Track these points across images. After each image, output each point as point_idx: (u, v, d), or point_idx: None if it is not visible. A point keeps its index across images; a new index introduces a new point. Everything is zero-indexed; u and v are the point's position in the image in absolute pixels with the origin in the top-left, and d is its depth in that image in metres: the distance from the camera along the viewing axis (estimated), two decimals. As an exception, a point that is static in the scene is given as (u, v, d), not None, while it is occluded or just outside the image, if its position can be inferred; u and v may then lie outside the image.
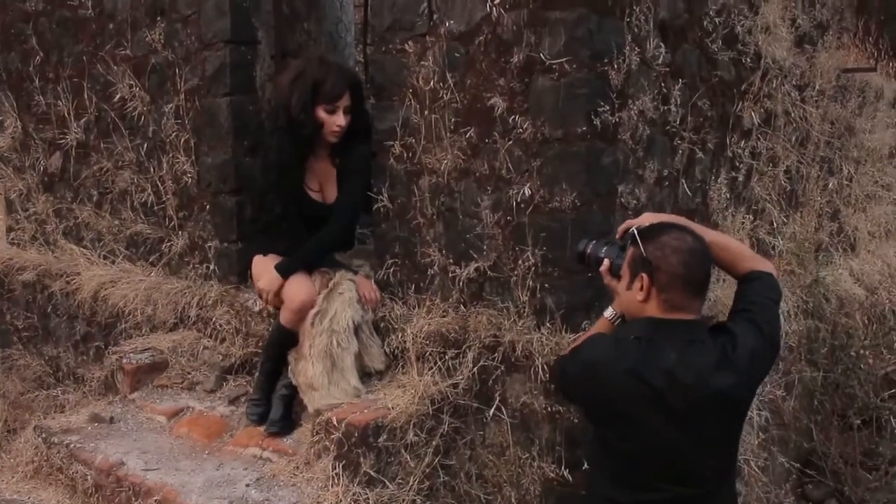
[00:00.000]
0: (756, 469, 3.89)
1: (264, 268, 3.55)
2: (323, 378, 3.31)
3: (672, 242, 2.23)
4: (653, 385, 2.17)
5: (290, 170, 3.49)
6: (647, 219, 2.44)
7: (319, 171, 3.61)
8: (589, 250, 2.47)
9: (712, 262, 2.34)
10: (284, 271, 3.46)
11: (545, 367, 2.98)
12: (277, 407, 3.50)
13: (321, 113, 3.44)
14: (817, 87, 4.37)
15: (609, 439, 2.33)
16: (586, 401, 2.41)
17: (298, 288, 3.43)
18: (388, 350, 3.44)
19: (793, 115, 4.15)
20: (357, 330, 3.40)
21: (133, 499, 3.21)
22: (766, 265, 2.45)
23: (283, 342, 3.50)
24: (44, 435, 3.72)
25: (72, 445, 3.58)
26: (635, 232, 2.31)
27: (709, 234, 2.42)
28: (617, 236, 2.48)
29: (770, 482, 4.05)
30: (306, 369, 3.35)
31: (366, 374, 3.45)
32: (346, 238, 3.71)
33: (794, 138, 4.21)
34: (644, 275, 2.24)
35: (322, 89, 3.41)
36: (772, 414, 4.06)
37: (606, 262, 2.41)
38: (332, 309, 3.37)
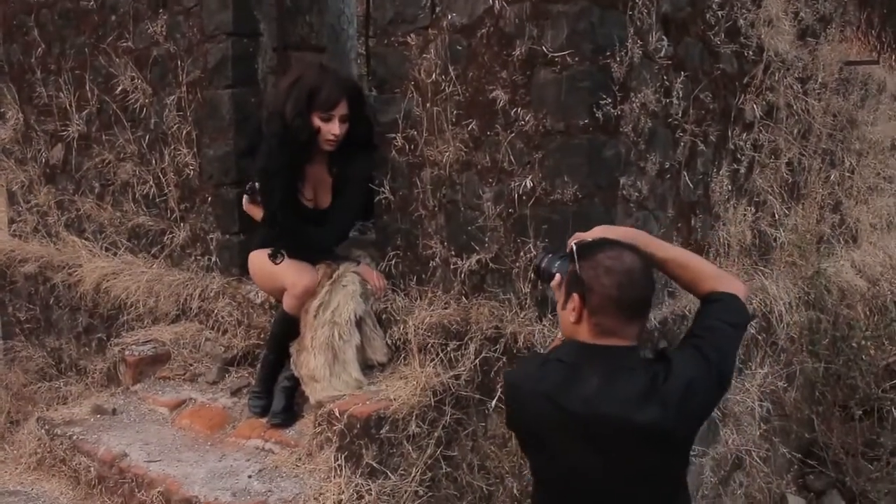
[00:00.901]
0: (758, 460, 3.91)
1: (264, 262, 3.56)
2: (325, 370, 3.32)
3: (606, 262, 2.07)
4: (570, 412, 2.02)
5: (283, 176, 3.44)
6: (598, 232, 2.30)
7: (314, 178, 3.58)
8: (543, 265, 2.33)
9: (653, 284, 2.15)
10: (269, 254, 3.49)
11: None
12: (279, 398, 3.51)
13: (317, 121, 3.40)
14: (819, 79, 4.37)
15: (535, 466, 2.23)
16: (513, 423, 2.28)
17: (302, 274, 3.44)
18: (390, 342, 3.45)
19: (795, 107, 4.15)
20: (360, 322, 3.41)
21: (136, 490, 3.22)
22: (731, 285, 2.24)
23: (286, 331, 3.51)
24: (47, 426, 3.73)
25: (74, 437, 3.59)
26: (573, 248, 2.16)
27: (667, 252, 2.31)
28: (567, 249, 2.31)
29: (771, 472, 4.06)
30: (308, 361, 3.36)
31: (368, 367, 3.45)
32: (336, 244, 3.68)
33: (796, 131, 4.21)
34: (576, 295, 2.09)
35: (318, 97, 3.36)
36: (773, 405, 4.07)
37: (557, 276, 2.26)
38: (334, 301, 3.37)
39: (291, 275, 3.44)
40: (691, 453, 2.29)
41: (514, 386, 2.19)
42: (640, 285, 2.07)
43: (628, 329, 2.08)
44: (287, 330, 3.51)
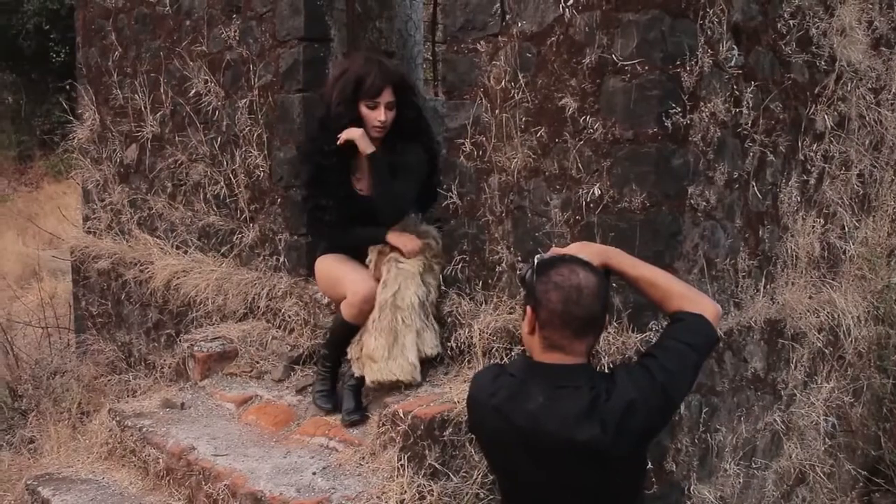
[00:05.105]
0: (822, 475, 3.85)
1: (328, 268, 3.63)
2: (384, 351, 3.35)
3: (556, 278, 2.11)
4: (517, 427, 2.10)
5: (321, 156, 3.57)
6: (574, 248, 2.32)
7: (364, 166, 3.65)
8: (527, 275, 2.29)
9: (603, 303, 2.16)
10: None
11: (611, 365, 2.99)
12: (349, 398, 3.53)
13: (363, 109, 3.51)
14: (893, 90, 4.29)
15: (494, 475, 2.27)
16: (473, 430, 2.36)
17: (360, 282, 3.51)
18: (454, 345, 3.45)
19: (867, 118, 4.07)
20: (422, 307, 3.45)
21: (203, 483, 3.30)
22: (698, 305, 2.24)
23: (345, 338, 3.58)
24: (117, 418, 3.85)
25: (144, 429, 3.70)
26: (534, 262, 2.21)
27: (638, 270, 2.33)
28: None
29: (836, 489, 4.00)
30: (368, 342, 3.40)
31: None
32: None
33: (867, 142, 4.13)
34: (529, 308, 2.15)
35: (363, 85, 3.48)
36: (839, 420, 4.00)
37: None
38: (393, 283, 3.43)
39: (350, 284, 3.51)
40: (641, 470, 2.30)
41: (472, 396, 2.27)
42: (586, 303, 2.10)
43: (576, 345, 2.12)
44: (346, 337, 3.57)
